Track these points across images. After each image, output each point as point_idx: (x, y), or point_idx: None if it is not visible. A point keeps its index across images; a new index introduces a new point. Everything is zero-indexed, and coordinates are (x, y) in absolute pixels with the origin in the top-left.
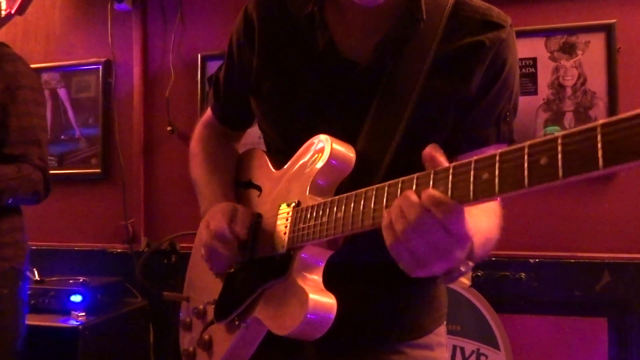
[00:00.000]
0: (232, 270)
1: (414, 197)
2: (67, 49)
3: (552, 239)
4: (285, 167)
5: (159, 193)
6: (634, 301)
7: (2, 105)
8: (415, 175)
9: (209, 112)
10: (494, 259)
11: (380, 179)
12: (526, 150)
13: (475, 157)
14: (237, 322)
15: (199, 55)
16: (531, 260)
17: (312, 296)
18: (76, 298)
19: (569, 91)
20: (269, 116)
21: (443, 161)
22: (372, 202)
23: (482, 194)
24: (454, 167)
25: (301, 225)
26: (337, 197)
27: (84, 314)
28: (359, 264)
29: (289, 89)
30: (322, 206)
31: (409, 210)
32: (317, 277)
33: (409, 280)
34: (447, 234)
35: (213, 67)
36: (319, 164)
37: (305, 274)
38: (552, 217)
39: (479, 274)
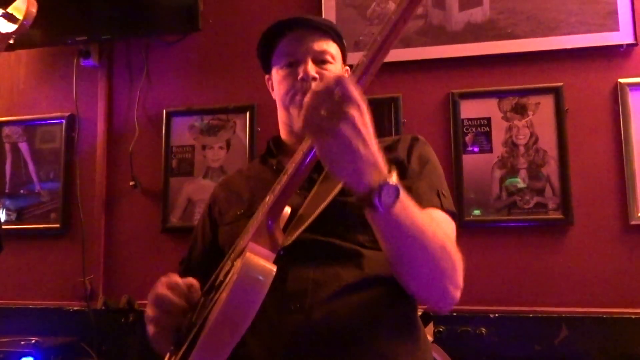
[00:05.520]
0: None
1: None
2: (30, 103)
3: (510, 294)
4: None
5: (119, 249)
6: (591, 355)
7: None
8: None
9: None
10: (454, 314)
11: (309, 226)
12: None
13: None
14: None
15: (164, 111)
16: (491, 315)
17: (251, 254)
18: None
19: (522, 149)
20: (234, 227)
21: None
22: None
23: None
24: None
25: (241, 243)
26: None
27: None
28: (336, 333)
29: (250, 201)
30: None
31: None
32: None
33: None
34: (338, 96)
35: (178, 122)
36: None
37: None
38: (509, 271)
39: (441, 329)
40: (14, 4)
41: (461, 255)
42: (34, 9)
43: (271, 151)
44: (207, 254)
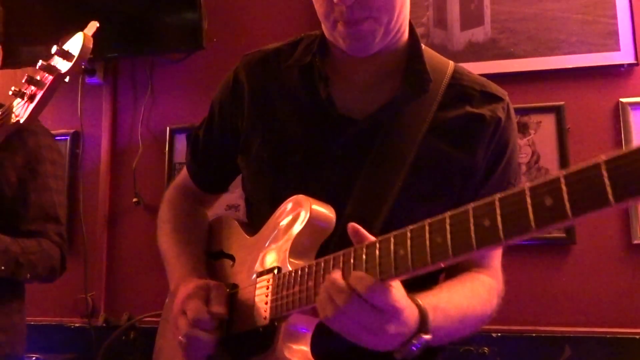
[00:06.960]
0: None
1: (340, 281)
2: None
3: (513, 313)
4: (260, 232)
5: (121, 266)
6: None
7: (22, 181)
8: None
9: (182, 173)
10: None
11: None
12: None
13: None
14: None
15: (168, 128)
16: (494, 335)
17: None
18: None
19: (524, 168)
20: (258, 175)
21: (367, 235)
22: (363, 261)
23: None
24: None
25: (284, 293)
26: (322, 259)
27: None
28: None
29: (280, 146)
30: (306, 269)
31: (337, 296)
32: (305, 348)
33: None
34: (375, 311)
35: (181, 139)
36: (299, 226)
37: (292, 345)
38: (511, 290)
39: None
40: (70, 41)
41: (501, 280)
42: (90, 45)
43: (317, 66)
44: (222, 157)
